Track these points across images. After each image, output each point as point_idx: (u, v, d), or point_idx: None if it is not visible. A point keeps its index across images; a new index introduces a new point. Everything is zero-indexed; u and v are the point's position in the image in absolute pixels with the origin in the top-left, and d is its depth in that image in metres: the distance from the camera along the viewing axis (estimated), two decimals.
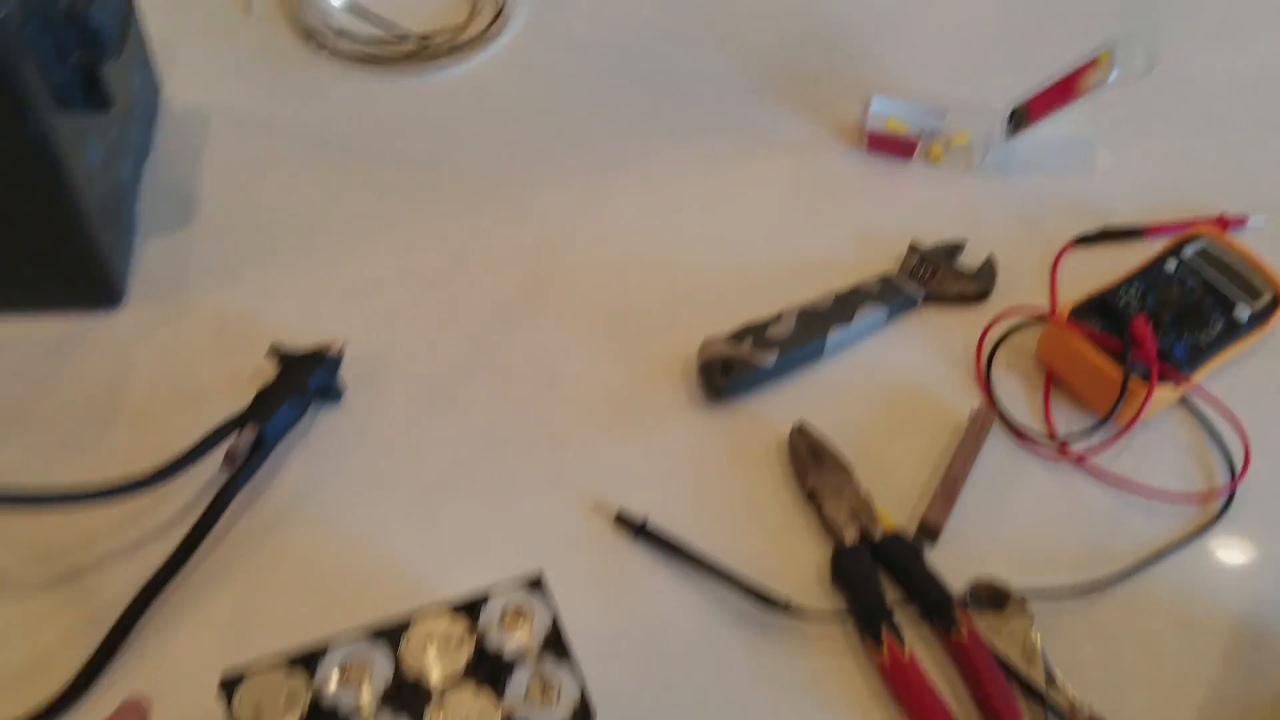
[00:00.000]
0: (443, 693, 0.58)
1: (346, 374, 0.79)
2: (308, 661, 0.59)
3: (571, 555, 0.70)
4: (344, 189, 0.92)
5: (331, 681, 0.58)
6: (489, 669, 0.59)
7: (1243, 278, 0.82)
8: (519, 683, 0.58)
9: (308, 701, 0.57)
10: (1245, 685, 0.69)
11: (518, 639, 0.60)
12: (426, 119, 0.98)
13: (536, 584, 0.62)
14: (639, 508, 0.73)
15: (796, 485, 0.76)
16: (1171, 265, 0.82)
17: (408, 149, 0.96)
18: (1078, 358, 0.79)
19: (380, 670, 0.58)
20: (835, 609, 0.70)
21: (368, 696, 0.58)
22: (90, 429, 0.76)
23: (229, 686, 0.58)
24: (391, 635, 0.60)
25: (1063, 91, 0.90)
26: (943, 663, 0.69)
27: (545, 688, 0.58)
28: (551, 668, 0.59)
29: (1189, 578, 0.73)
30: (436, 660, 0.59)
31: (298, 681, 0.58)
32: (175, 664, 0.66)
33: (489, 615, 0.60)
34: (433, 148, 0.96)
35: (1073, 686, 0.67)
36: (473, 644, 0.59)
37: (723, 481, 0.76)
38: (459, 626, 0.60)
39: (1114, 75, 0.87)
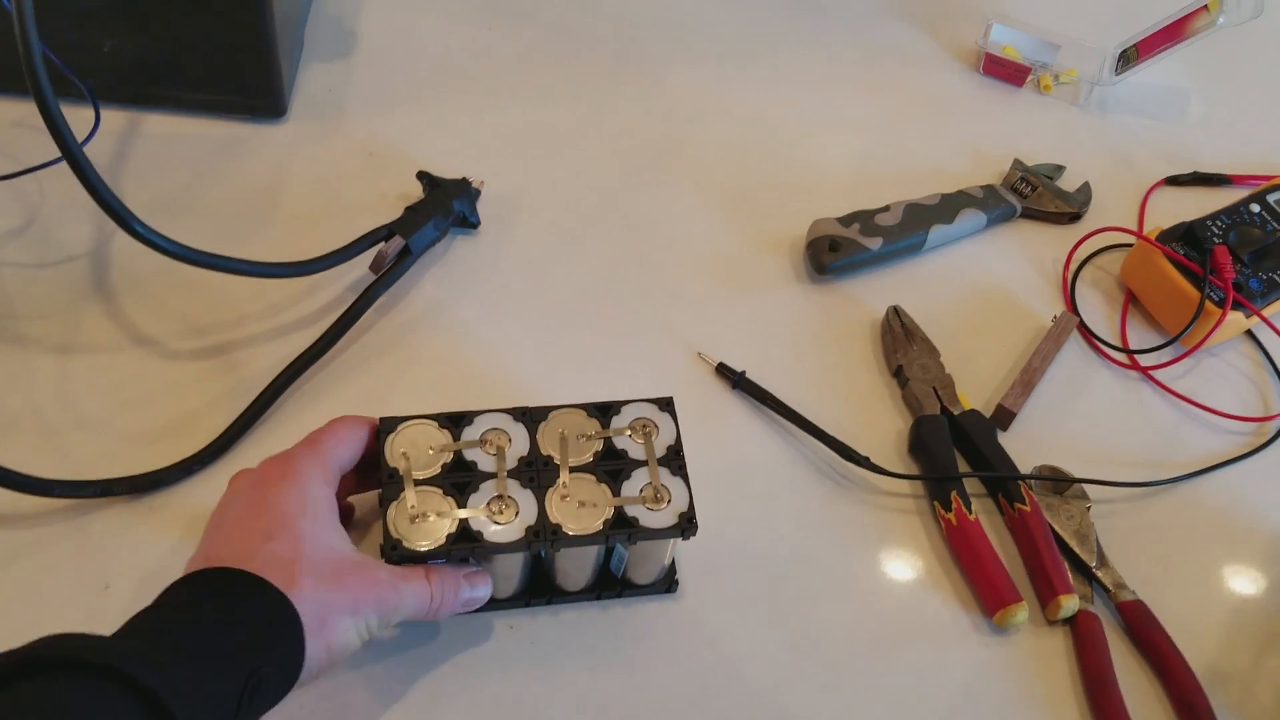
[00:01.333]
0: (568, 475, 0.62)
1: (483, 209, 0.83)
2: (455, 422, 0.64)
3: (672, 393, 0.70)
4: (494, 44, 0.95)
5: (474, 443, 0.63)
6: (612, 467, 0.63)
7: None
8: (636, 484, 0.63)
9: (451, 455, 0.62)
10: (1274, 595, 0.74)
11: (642, 447, 0.64)
12: None
13: (668, 403, 0.66)
14: (737, 364, 0.78)
15: (884, 365, 0.80)
16: (1255, 208, 0.85)
17: (557, 17, 0.99)
18: (1159, 277, 0.83)
19: (517, 444, 0.63)
20: (909, 473, 0.75)
21: (503, 461, 0.62)
22: (248, 225, 0.80)
23: (384, 430, 0.63)
24: (531, 417, 0.64)
25: (1171, 33, 0.93)
26: (1002, 534, 0.73)
27: (658, 493, 0.62)
28: (667, 478, 0.63)
29: (1236, 493, 0.78)
30: (567, 448, 0.63)
31: (445, 437, 0.63)
32: None
33: (620, 421, 0.65)
34: (581, 18, 0.99)
35: (1119, 570, 0.72)
36: (601, 443, 0.64)
37: (816, 352, 0.80)
38: (592, 425, 0.64)
39: (1222, 19, 0.90)
